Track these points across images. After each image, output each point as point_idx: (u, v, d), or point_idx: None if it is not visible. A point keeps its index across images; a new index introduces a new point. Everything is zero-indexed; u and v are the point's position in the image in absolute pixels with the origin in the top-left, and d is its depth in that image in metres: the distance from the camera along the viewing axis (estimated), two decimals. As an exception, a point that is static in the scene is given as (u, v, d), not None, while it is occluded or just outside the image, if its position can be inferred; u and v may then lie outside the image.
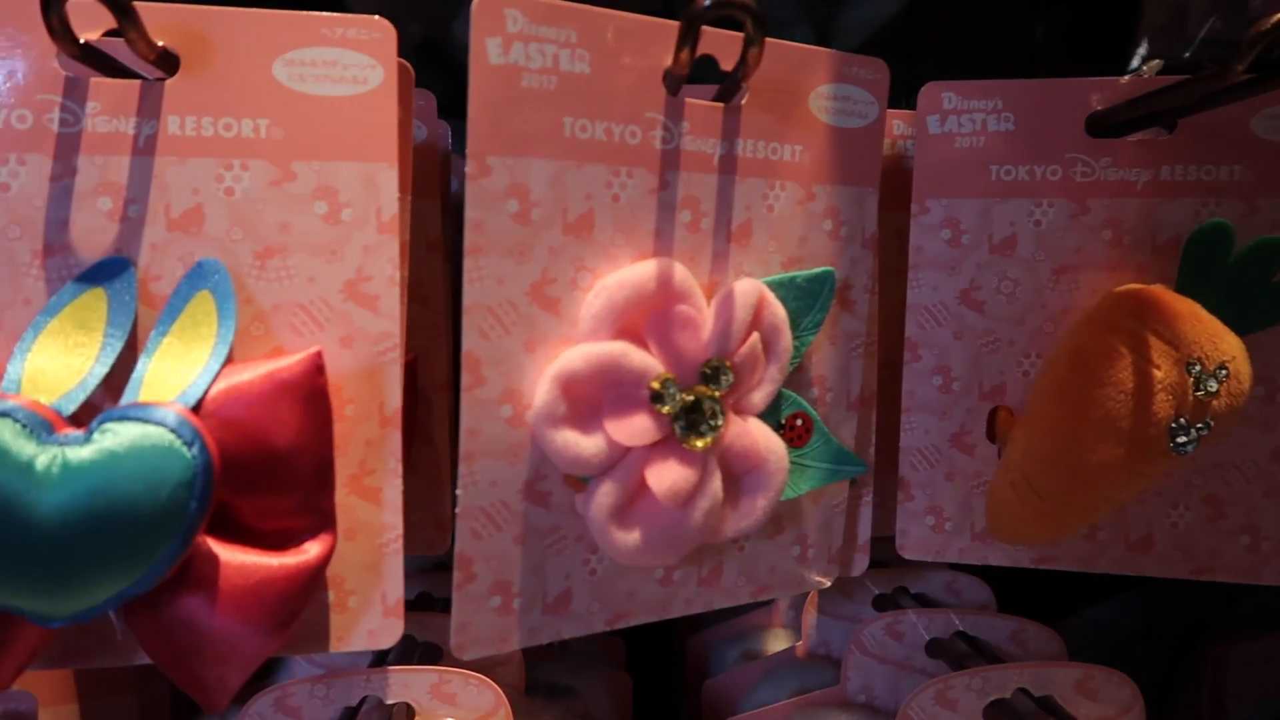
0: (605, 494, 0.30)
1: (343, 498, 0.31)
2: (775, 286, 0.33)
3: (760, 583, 0.37)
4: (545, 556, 0.31)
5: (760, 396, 0.33)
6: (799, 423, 0.35)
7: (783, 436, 0.35)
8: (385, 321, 0.31)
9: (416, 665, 0.40)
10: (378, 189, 0.30)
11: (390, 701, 0.39)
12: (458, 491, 0.29)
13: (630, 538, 0.30)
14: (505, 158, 0.28)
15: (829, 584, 0.39)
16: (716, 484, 0.31)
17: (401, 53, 0.31)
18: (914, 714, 0.39)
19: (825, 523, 0.38)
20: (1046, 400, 0.37)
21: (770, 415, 0.34)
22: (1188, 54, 0.56)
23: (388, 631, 0.32)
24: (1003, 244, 0.39)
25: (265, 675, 0.49)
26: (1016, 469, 0.38)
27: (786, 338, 0.33)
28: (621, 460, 0.30)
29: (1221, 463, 0.39)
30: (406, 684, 0.39)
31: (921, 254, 0.40)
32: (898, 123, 0.43)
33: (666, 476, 0.30)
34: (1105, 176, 0.38)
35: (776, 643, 0.59)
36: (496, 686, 0.40)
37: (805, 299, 0.34)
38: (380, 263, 0.30)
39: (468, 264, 0.28)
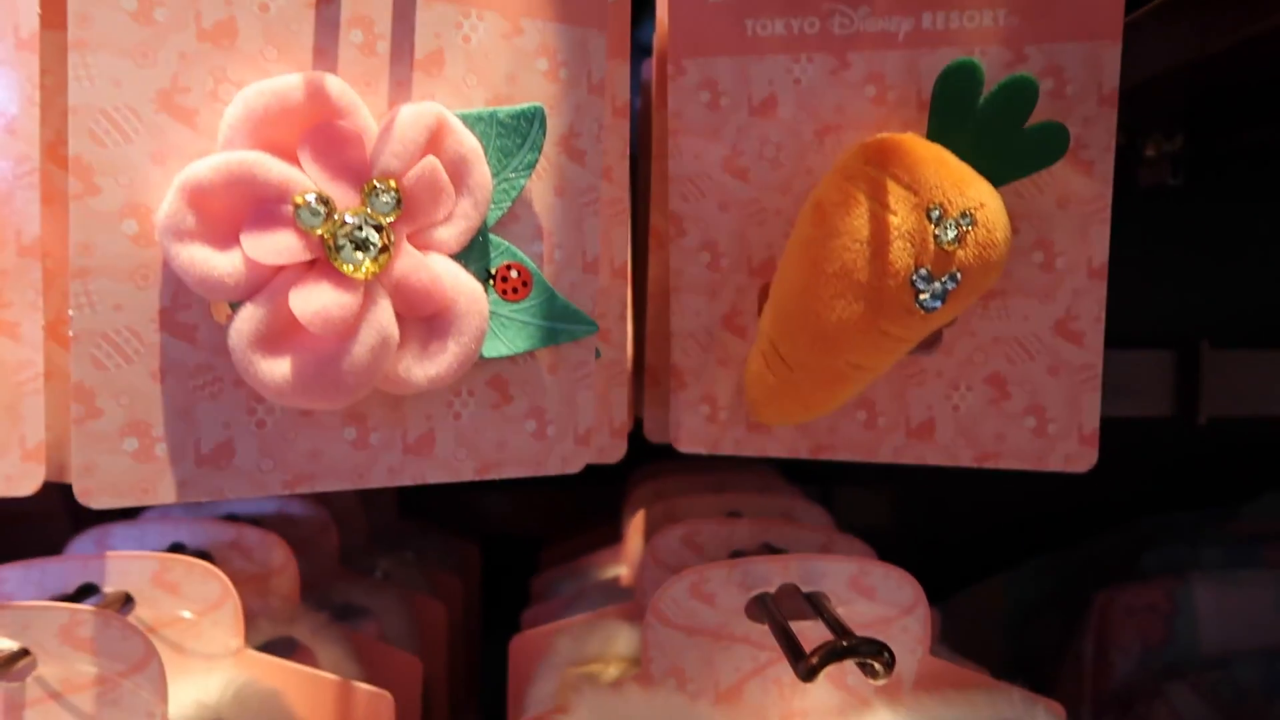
0: (246, 318, 0.27)
1: (-26, 331, 0.29)
2: (473, 121, 0.31)
3: (486, 459, 0.34)
4: (195, 399, 0.29)
5: (452, 234, 0.30)
6: (514, 274, 0.33)
7: (495, 288, 0.32)
8: (21, 144, 0.29)
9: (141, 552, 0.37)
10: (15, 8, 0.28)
11: (109, 589, 0.37)
12: (70, 311, 0.27)
13: (278, 369, 0.28)
14: (116, -54, 0.26)
15: (578, 469, 0.36)
16: (384, 318, 0.29)
17: None
18: (666, 607, 0.36)
19: (568, 397, 0.35)
20: (789, 259, 0.34)
21: (477, 262, 0.32)
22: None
23: (26, 478, 0.29)
24: (763, 105, 0.37)
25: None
26: (766, 338, 0.36)
27: (481, 173, 0.31)
28: (268, 284, 0.28)
29: (1003, 338, 0.37)
30: (126, 571, 0.37)
31: (681, 119, 0.37)
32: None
33: (314, 299, 0.27)
34: (865, 28, 0.36)
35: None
36: (224, 576, 0.37)
37: (511, 136, 0.32)
38: (19, 80, 0.28)
39: (72, 59, 0.26)
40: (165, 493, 0.29)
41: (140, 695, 0.31)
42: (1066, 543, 0.72)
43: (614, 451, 0.38)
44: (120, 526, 0.44)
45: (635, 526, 0.51)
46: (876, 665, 0.28)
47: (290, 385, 0.28)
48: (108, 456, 0.28)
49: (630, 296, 0.40)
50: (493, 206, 0.32)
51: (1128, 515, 0.71)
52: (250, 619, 0.41)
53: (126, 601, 0.36)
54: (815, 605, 0.36)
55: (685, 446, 0.39)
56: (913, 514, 0.72)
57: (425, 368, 0.30)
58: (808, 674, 0.28)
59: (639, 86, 0.46)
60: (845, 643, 0.28)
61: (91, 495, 0.28)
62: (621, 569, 0.55)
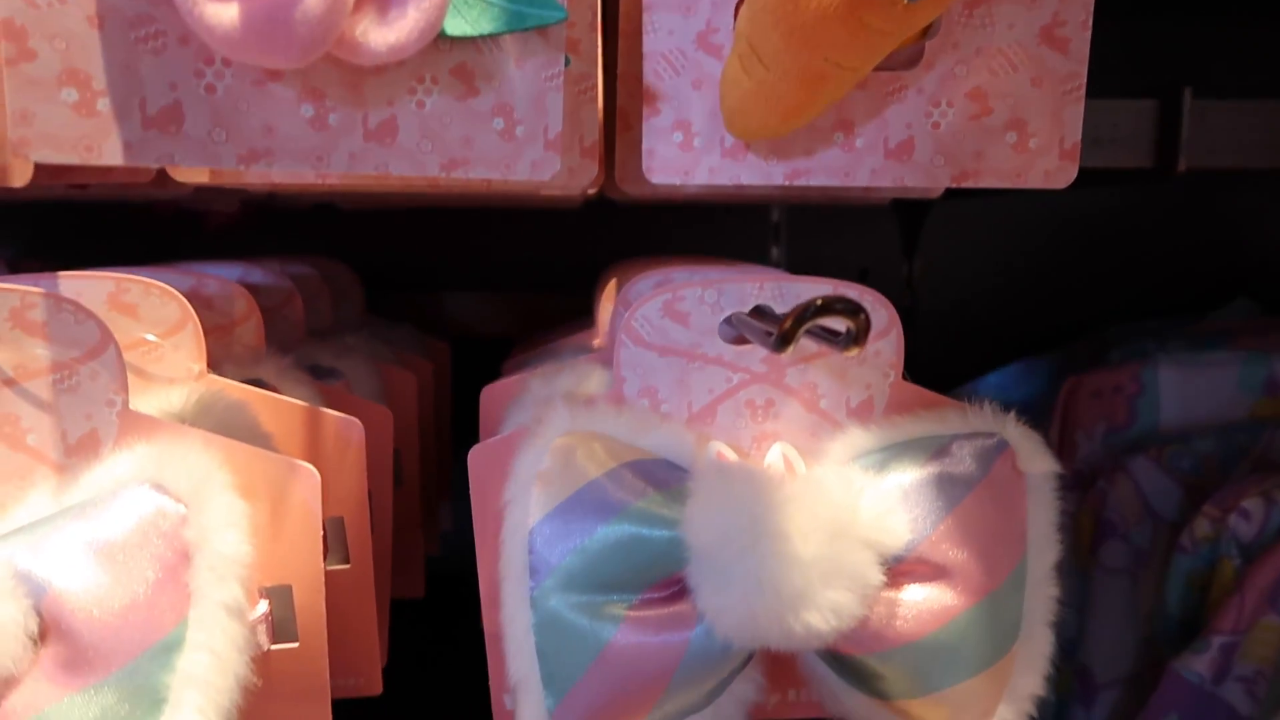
0: (186, -43, 0.26)
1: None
2: None
3: (452, 154, 0.33)
4: (138, 53, 0.27)
5: (406, -109, 0.28)
6: (475, -49, 0.31)
7: (456, -34, 0.31)
8: None
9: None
10: None
11: (63, 311, 0.36)
12: (-6, -66, 0.25)
13: (225, 13, 0.26)
14: None
15: (549, 176, 0.35)
16: (336, -32, 0.27)
17: None
18: (639, 326, 0.36)
19: (537, 98, 0.33)
20: (769, -55, 0.33)
21: (435, -66, 0.30)
22: None
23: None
24: None
25: None
26: (743, 38, 0.34)
27: None
28: (207, -78, 0.26)
29: (986, 48, 0.35)
30: (80, 292, 0.36)
31: None
32: None
33: (259, -63, 0.26)
34: None
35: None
36: (182, 297, 0.36)
37: None
38: None
39: None
40: (111, 153, 0.27)
41: (99, 382, 0.30)
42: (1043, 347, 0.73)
43: (584, 173, 0.37)
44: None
45: (607, 294, 0.50)
46: (852, 326, 0.27)
47: (238, 32, 0.26)
48: (45, 105, 0.26)
49: (600, 31, 0.38)
50: None
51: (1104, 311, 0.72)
52: (215, 365, 0.40)
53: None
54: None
55: (658, 176, 0.38)
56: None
57: (384, 33, 0.29)
58: (780, 341, 0.28)
59: None
60: (819, 301, 0.27)
61: (30, 145, 0.26)
62: (595, 341, 0.55)
